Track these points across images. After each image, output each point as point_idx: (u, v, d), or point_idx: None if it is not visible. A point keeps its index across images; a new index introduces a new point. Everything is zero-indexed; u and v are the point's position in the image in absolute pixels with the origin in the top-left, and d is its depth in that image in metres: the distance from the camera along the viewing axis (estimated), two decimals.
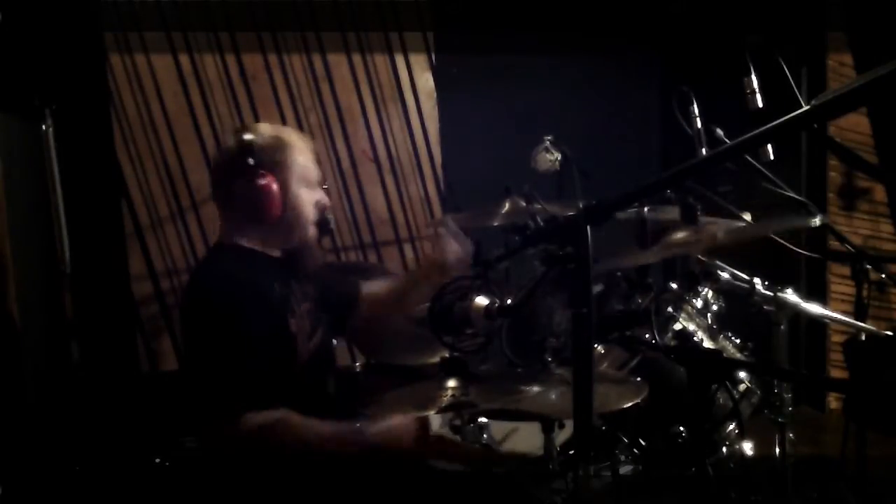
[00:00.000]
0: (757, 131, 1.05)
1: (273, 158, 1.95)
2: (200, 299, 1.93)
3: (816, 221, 1.84)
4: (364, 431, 1.86)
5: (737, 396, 1.91)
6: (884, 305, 3.45)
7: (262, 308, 1.91)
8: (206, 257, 2.18)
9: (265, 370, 1.84)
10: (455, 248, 2.08)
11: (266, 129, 2.02)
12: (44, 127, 2.60)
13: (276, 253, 2.02)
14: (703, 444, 1.70)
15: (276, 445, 1.80)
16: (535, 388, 1.64)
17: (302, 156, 1.99)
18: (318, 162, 2.08)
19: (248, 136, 1.97)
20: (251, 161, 1.93)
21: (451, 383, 1.64)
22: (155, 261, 3.26)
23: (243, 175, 1.94)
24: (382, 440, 1.84)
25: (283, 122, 3.36)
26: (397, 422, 1.88)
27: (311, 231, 2.03)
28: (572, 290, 1.15)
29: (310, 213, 2.01)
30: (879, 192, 3.54)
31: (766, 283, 1.87)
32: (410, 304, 2.07)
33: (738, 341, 2.13)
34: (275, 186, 1.93)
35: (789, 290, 1.84)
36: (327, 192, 2.08)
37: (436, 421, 1.95)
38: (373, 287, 2.30)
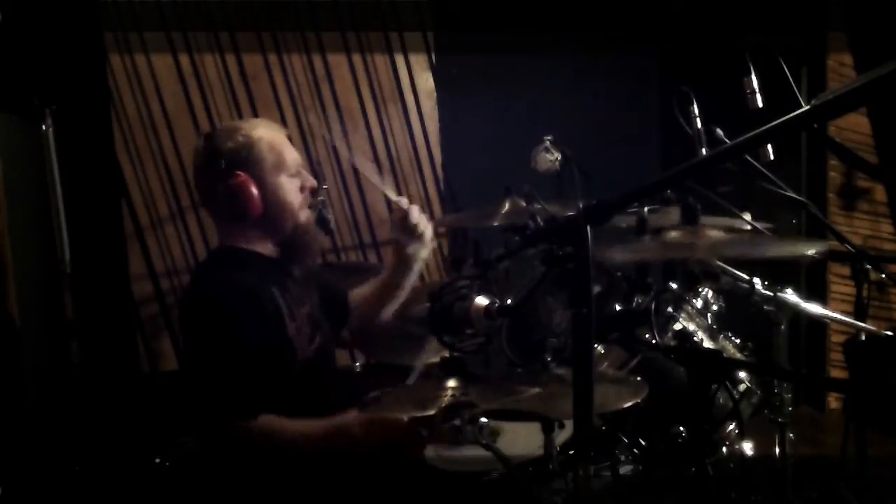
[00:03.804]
0: (757, 131, 1.05)
1: (242, 156, 1.93)
2: (198, 304, 1.93)
3: (813, 252, 1.85)
4: (349, 425, 1.85)
5: (737, 396, 1.91)
6: (884, 305, 3.45)
7: (259, 313, 1.91)
8: (205, 261, 2.18)
9: (261, 375, 1.84)
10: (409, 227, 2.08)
11: (230, 127, 2.01)
12: (44, 127, 2.60)
13: (274, 252, 2.02)
14: (703, 444, 1.69)
15: (266, 448, 1.81)
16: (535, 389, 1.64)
17: (270, 142, 1.97)
18: (306, 148, 2.07)
19: (213, 139, 1.97)
20: (222, 163, 1.93)
21: (451, 383, 1.64)
22: (155, 261, 3.26)
23: (218, 178, 1.94)
24: (368, 432, 1.84)
25: (284, 122, 3.36)
26: (382, 416, 1.87)
27: (304, 216, 2.01)
28: (572, 290, 1.15)
29: (295, 198, 1.99)
30: (879, 192, 3.54)
31: (766, 283, 1.87)
32: (394, 296, 2.18)
33: (738, 341, 2.13)
34: (251, 183, 1.92)
35: (789, 290, 1.84)
36: (324, 188, 2.07)
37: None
38: (359, 291, 2.30)
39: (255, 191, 1.92)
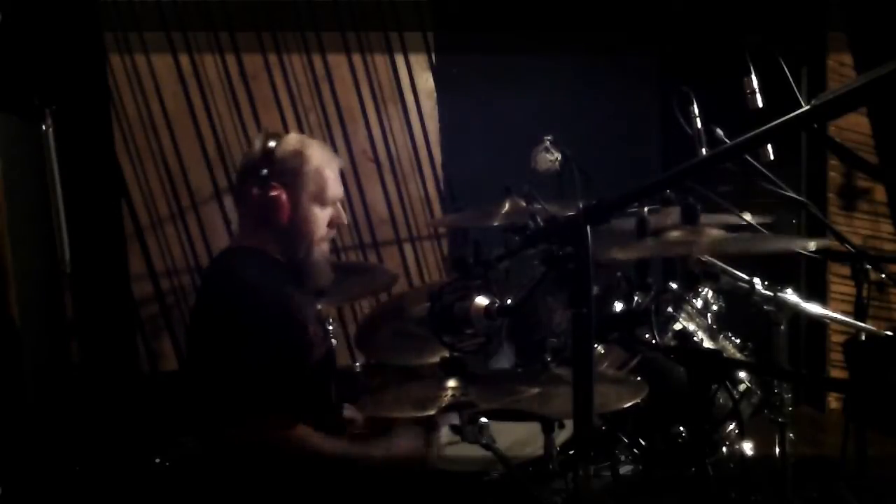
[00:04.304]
0: (757, 131, 1.05)
1: (288, 171, 1.94)
2: (222, 300, 1.91)
3: (812, 246, 1.84)
4: (372, 450, 1.87)
5: (737, 396, 1.91)
6: (884, 305, 3.45)
7: (283, 310, 1.91)
8: (221, 259, 2.14)
9: (284, 372, 1.84)
10: None
11: (291, 141, 2.00)
12: (44, 127, 2.61)
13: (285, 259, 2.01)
14: (703, 444, 1.69)
15: (287, 455, 1.80)
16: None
17: (321, 172, 1.97)
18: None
19: (270, 144, 1.97)
20: (266, 171, 1.93)
21: (451, 383, 1.64)
22: (155, 261, 3.26)
23: (257, 182, 1.94)
24: (389, 458, 1.86)
25: (283, 122, 3.36)
26: (403, 442, 1.90)
27: (319, 251, 2.01)
28: (572, 290, 1.15)
29: (318, 230, 1.99)
30: (879, 192, 3.54)
31: (766, 283, 1.87)
32: None
33: (738, 341, 2.13)
34: (284, 199, 1.93)
35: (789, 290, 1.84)
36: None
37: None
38: None
39: (286, 208, 1.93)
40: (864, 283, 1.93)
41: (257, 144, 1.99)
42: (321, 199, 1.98)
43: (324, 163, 1.99)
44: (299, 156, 1.96)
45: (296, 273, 2.02)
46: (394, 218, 3.57)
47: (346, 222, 2.06)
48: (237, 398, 1.81)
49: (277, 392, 1.82)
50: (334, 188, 2.01)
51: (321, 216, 1.99)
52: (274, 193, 1.92)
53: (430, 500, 1.91)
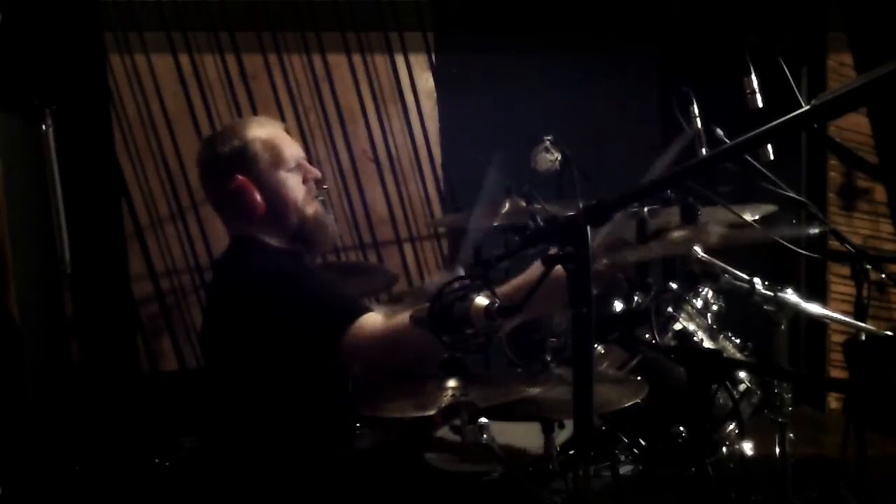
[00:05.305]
0: (757, 131, 1.05)
1: (238, 158, 1.92)
2: (255, 274, 1.88)
3: (815, 229, 1.84)
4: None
5: (737, 396, 1.91)
6: (884, 305, 3.45)
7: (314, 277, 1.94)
8: (231, 250, 2.09)
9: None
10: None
11: (225, 130, 2.00)
12: (44, 127, 2.61)
13: (287, 245, 1.99)
14: (703, 444, 1.69)
15: (385, 340, 1.77)
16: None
17: (266, 140, 1.95)
18: (306, 148, 2.07)
19: (210, 144, 1.96)
20: (219, 169, 1.93)
21: (451, 383, 1.64)
22: (155, 261, 3.27)
23: (219, 182, 1.93)
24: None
25: (283, 122, 3.35)
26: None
27: (311, 209, 1.98)
28: (572, 290, 1.15)
29: (297, 193, 1.97)
30: (879, 192, 3.54)
31: (766, 283, 1.87)
32: None
33: (738, 341, 2.13)
34: (250, 185, 1.91)
35: (789, 290, 1.84)
36: (324, 188, 2.05)
37: None
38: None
39: (255, 191, 1.92)
40: (864, 283, 1.93)
41: (200, 150, 1.99)
42: (283, 164, 1.95)
43: (265, 131, 1.97)
44: (238, 137, 1.94)
45: (300, 254, 2.01)
46: (394, 218, 3.57)
47: (319, 175, 2.02)
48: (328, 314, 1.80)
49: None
50: (289, 149, 1.98)
51: (292, 179, 1.96)
52: (237, 183, 1.91)
53: (430, 500, 1.91)
